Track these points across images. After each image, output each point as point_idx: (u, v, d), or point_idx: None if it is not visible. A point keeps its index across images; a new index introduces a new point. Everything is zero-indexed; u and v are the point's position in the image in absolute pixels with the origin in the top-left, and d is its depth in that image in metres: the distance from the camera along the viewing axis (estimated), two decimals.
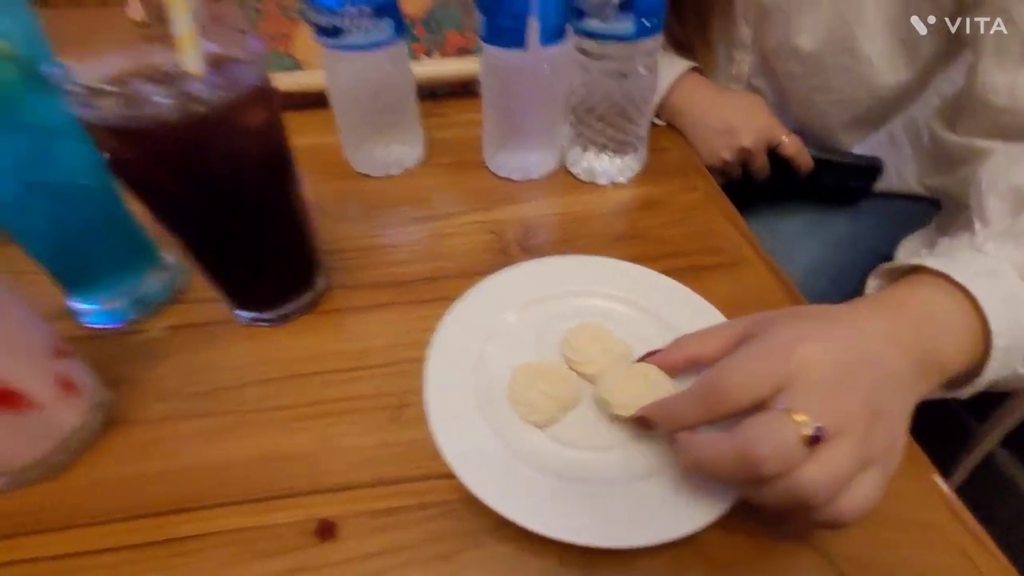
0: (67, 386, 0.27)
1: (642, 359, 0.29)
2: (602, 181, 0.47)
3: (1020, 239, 0.29)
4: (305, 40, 0.56)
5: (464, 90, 0.60)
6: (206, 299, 0.36)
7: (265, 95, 0.27)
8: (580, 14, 0.39)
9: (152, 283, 0.36)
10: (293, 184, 0.31)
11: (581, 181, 0.48)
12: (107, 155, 0.26)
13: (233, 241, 0.30)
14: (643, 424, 0.27)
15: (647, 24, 0.38)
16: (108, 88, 0.25)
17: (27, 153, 0.28)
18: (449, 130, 0.54)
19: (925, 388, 0.26)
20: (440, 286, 0.38)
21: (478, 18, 0.40)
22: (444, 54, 0.58)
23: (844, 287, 0.51)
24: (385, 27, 0.40)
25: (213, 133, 0.25)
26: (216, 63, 0.27)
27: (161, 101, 0.25)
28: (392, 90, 0.44)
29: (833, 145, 0.55)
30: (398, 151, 0.48)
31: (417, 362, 0.31)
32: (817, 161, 0.51)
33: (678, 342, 0.28)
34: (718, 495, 0.24)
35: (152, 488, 0.27)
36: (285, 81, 0.54)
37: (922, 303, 0.28)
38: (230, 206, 0.29)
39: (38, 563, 0.25)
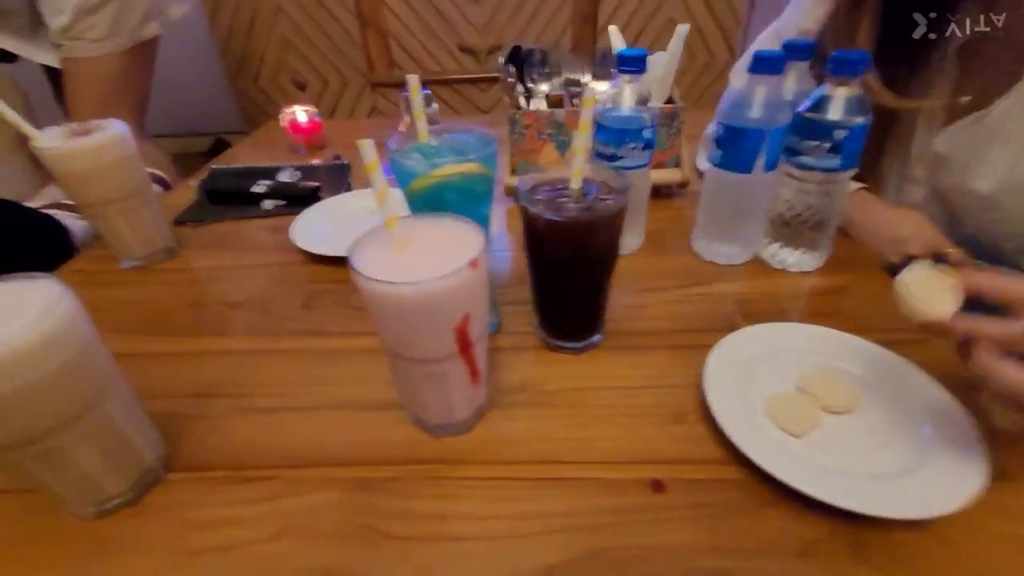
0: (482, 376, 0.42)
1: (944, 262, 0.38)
2: (793, 270, 0.60)
3: None
4: (547, 154, 0.76)
5: (657, 192, 0.77)
6: (517, 332, 0.53)
7: (625, 207, 0.43)
8: (794, 152, 0.54)
9: (490, 317, 0.52)
10: (616, 258, 0.47)
11: (773, 268, 0.61)
12: (527, 228, 0.44)
13: (575, 287, 0.46)
14: (935, 329, 0.35)
15: (849, 161, 0.52)
16: (539, 196, 0.43)
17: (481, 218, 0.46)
18: (654, 223, 0.70)
19: None
20: (685, 337, 0.51)
21: (712, 150, 0.57)
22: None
23: None
24: (645, 156, 0.57)
25: (598, 228, 0.42)
26: (588, 183, 0.45)
27: (570, 207, 0.42)
28: (637, 195, 0.61)
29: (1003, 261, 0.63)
30: (631, 239, 0.64)
31: (682, 387, 0.45)
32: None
33: (988, 275, 0.35)
34: (960, 492, 0.34)
35: (526, 446, 0.41)
36: None
37: None
38: (584, 270, 0.45)
39: (475, 480, 0.39)
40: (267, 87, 1.99)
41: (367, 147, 0.33)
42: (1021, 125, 0.55)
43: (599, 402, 0.45)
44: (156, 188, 0.94)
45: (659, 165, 0.77)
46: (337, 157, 0.95)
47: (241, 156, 1.02)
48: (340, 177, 0.86)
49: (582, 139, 0.43)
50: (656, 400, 0.45)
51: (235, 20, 1.86)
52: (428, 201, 0.43)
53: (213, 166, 0.90)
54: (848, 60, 0.48)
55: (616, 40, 0.72)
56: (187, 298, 0.61)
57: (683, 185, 0.76)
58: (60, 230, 0.75)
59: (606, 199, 0.43)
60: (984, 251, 0.63)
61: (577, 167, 0.44)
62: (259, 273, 0.65)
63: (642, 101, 0.56)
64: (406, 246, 0.35)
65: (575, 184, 0.44)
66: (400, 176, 0.42)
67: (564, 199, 0.43)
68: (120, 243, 0.62)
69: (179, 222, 0.76)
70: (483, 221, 0.46)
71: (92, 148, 0.54)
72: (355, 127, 1.20)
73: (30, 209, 0.72)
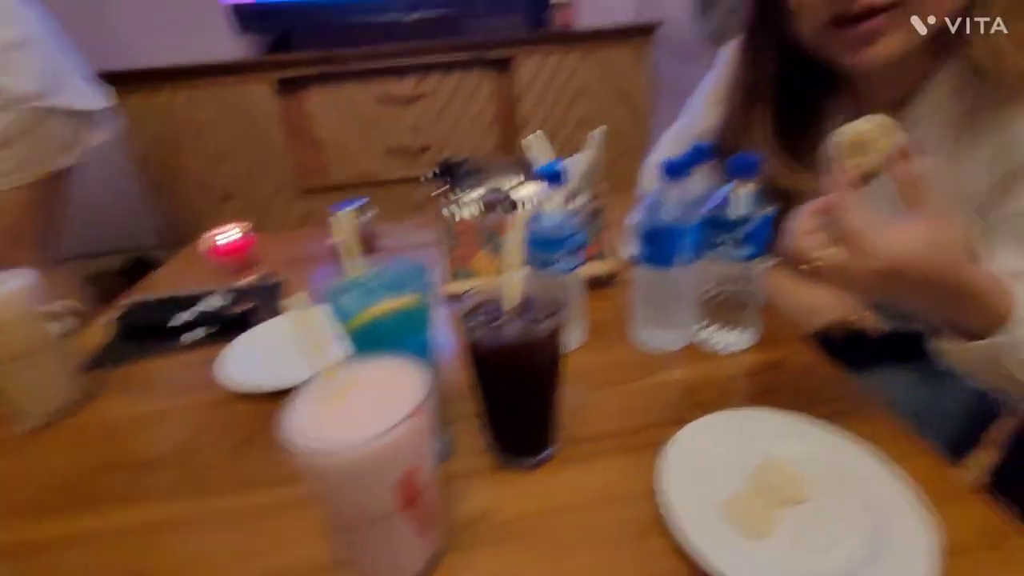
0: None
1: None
2: (722, 351, 0.62)
3: None
4: (480, 259, 0.78)
5: (590, 284, 0.80)
6: (470, 452, 0.50)
7: (566, 319, 0.44)
8: (712, 245, 0.58)
9: (438, 445, 0.50)
10: (560, 369, 0.47)
11: (705, 352, 0.63)
12: (469, 352, 0.43)
13: (523, 405, 0.45)
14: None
15: (759, 249, 0.57)
16: (478, 320, 0.43)
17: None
18: (593, 314, 0.71)
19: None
20: (639, 436, 0.51)
21: (636, 246, 0.60)
22: None
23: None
24: (578, 258, 0.60)
25: (542, 346, 0.42)
26: (525, 297, 0.45)
27: (510, 330, 0.42)
28: (574, 293, 0.63)
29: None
30: (573, 335, 0.65)
31: (641, 497, 0.44)
32: (893, 334, 0.66)
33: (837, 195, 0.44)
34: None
35: None
36: (462, 286, 0.74)
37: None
38: (530, 384, 0.44)
39: None
40: (192, 202, 1.95)
41: (300, 301, 0.32)
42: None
43: (562, 525, 0.43)
44: (67, 321, 0.87)
45: (592, 258, 0.80)
46: (269, 274, 0.93)
47: (164, 282, 0.97)
48: (272, 298, 0.83)
49: (514, 258, 0.44)
50: (618, 515, 0.43)
51: (156, 139, 1.85)
52: (366, 336, 0.42)
53: (132, 299, 0.85)
54: (743, 165, 0.53)
55: (536, 148, 0.76)
56: (98, 459, 0.54)
57: (612, 276, 0.79)
58: None
59: (546, 313, 0.44)
60: (896, 313, 0.69)
61: (512, 284, 0.44)
62: (182, 419, 0.59)
63: (568, 199, 0.59)
64: (345, 396, 0.34)
65: (509, 304, 0.45)
66: (337, 314, 0.41)
67: (503, 321, 0.44)
68: (15, 405, 0.55)
69: (90, 367, 0.69)
70: (423, 347, 0.46)
71: None
72: (287, 241, 1.17)
73: None
